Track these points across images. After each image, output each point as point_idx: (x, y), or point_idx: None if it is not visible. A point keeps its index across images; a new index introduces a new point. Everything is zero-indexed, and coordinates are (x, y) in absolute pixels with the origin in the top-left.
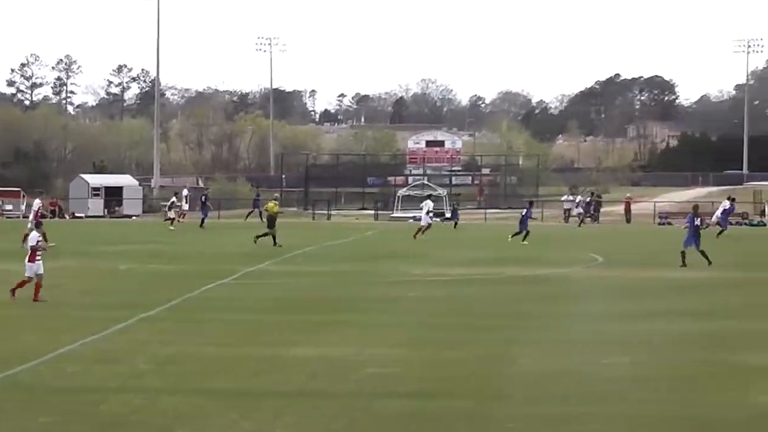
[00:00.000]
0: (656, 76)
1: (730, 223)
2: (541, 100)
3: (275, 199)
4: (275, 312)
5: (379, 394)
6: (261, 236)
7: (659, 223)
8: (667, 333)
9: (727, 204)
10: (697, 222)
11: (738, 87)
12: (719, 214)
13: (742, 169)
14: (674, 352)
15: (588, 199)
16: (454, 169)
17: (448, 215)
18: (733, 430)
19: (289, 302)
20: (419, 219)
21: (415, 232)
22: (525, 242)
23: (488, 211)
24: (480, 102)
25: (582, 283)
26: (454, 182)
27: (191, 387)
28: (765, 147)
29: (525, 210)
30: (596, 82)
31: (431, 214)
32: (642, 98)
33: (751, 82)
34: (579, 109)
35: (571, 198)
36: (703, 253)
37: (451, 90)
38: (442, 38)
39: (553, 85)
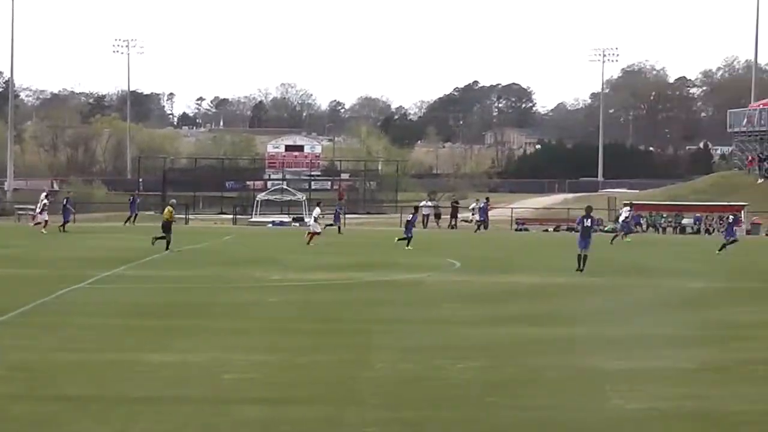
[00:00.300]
0: (514, 83)
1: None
2: (401, 106)
3: (171, 205)
4: (131, 317)
5: (237, 400)
6: (159, 238)
7: (516, 229)
8: (522, 337)
9: (627, 211)
10: (587, 223)
11: (593, 95)
12: (622, 221)
13: (597, 176)
14: (529, 357)
15: (482, 205)
16: (313, 174)
17: (308, 220)
18: None
19: (146, 307)
20: (279, 224)
21: (308, 240)
22: (409, 247)
23: (347, 216)
24: (340, 107)
25: (439, 288)
26: (313, 187)
27: (45, 393)
28: (619, 154)
29: (411, 215)
30: (455, 89)
31: (319, 220)
32: (500, 105)
33: (606, 90)
34: (438, 116)
35: (429, 204)
36: (583, 258)
37: (311, 95)
38: (302, 43)
39: (412, 92)
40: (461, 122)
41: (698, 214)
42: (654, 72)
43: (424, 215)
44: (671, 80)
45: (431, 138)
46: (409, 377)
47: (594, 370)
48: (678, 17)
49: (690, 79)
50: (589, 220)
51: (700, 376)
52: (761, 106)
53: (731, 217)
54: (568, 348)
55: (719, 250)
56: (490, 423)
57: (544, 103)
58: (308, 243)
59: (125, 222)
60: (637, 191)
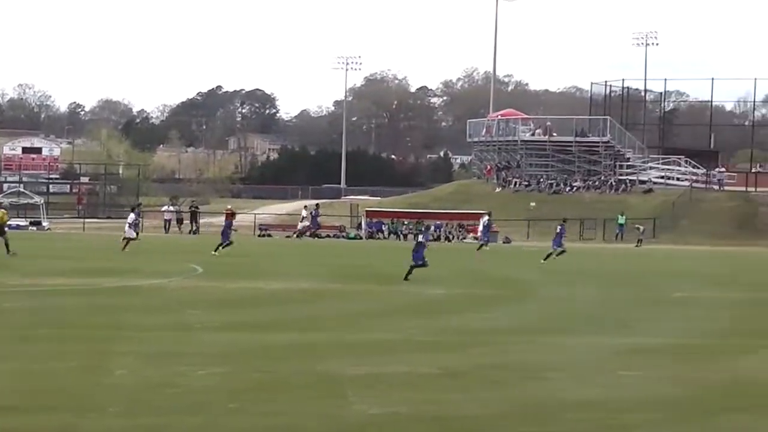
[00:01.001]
0: (258, 89)
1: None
2: (143, 110)
3: (4, 208)
4: None
5: None
6: None
7: (259, 235)
8: (265, 343)
9: (486, 219)
10: (420, 238)
11: (337, 103)
12: (481, 230)
13: (340, 183)
14: (272, 363)
15: (313, 212)
16: (52, 176)
17: (45, 224)
18: None
19: None
20: (16, 227)
21: (123, 246)
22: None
23: (87, 220)
24: (79, 110)
25: (180, 294)
26: (51, 190)
27: None
28: (361, 161)
29: (227, 222)
30: (198, 94)
31: (135, 226)
32: (243, 111)
33: (350, 98)
34: (181, 120)
35: (171, 209)
36: (412, 268)
37: (50, 96)
38: (40, 43)
39: (154, 95)
40: (204, 127)
41: (438, 222)
42: (396, 81)
43: (165, 220)
44: (413, 89)
45: (174, 142)
46: (150, 384)
47: (336, 375)
48: (420, 27)
49: (431, 89)
50: (421, 235)
51: (439, 381)
52: (499, 117)
53: (559, 227)
54: (310, 353)
55: (544, 259)
56: (233, 429)
57: (287, 109)
58: (123, 248)
59: None
60: (379, 198)
